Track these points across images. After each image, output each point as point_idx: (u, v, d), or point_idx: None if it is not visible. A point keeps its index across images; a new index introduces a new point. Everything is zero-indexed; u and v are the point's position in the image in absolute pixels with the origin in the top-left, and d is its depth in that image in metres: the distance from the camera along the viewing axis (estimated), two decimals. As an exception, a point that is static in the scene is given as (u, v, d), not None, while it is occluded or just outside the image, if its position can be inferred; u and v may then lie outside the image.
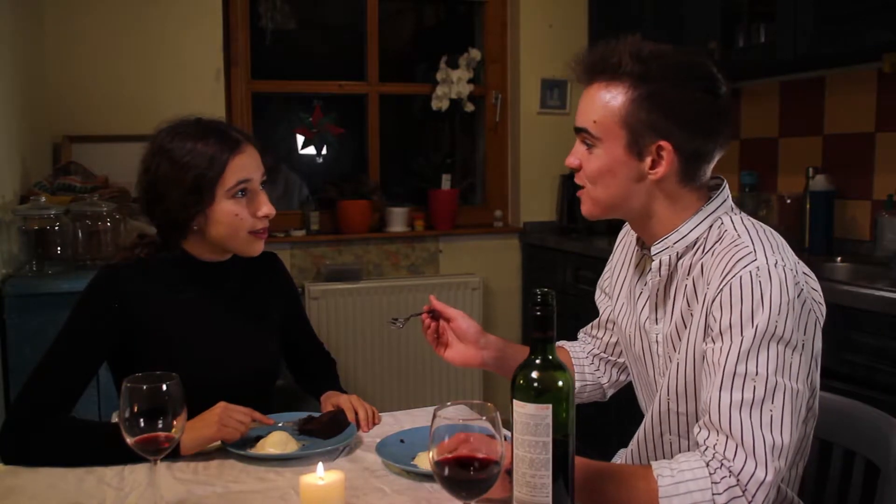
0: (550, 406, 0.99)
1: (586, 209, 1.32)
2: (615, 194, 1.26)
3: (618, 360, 1.56)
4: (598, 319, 1.58)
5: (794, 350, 1.12)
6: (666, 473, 1.09)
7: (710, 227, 1.25)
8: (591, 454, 1.19)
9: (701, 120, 1.22)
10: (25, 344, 2.30)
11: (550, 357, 1.02)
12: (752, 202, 3.09)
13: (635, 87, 1.20)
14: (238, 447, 1.40)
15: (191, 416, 1.26)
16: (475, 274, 3.78)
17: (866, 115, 2.77)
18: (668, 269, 1.27)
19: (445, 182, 3.81)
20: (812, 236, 2.82)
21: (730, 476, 1.07)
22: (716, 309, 1.15)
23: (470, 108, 3.85)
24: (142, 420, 1.11)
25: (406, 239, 3.77)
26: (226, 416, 1.40)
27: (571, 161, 1.29)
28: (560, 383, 1.01)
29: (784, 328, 1.11)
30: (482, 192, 4.09)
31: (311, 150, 3.97)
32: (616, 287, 1.47)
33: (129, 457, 1.19)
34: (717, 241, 1.22)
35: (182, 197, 1.49)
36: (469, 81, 3.80)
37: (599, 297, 1.56)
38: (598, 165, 1.25)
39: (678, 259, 1.27)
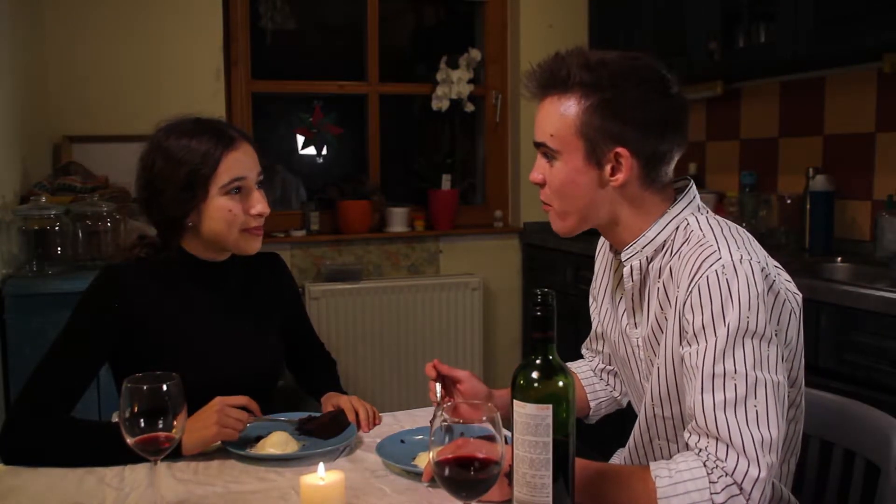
0: (550, 406, 0.99)
1: (557, 227, 1.32)
2: (581, 206, 1.27)
3: None
4: (592, 331, 1.57)
5: (769, 342, 1.12)
6: (664, 474, 1.09)
7: (677, 228, 1.25)
8: (591, 454, 1.19)
9: (654, 122, 1.22)
10: (25, 344, 2.30)
11: (550, 357, 1.02)
12: (752, 202, 3.09)
13: (586, 96, 1.21)
14: (238, 447, 1.40)
15: (190, 416, 1.26)
16: (475, 274, 3.78)
17: (866, 115, 2.77)
18: (640, 274, 1.28)
19: (445, 182, 3.81)
20: (812, 236, 2.82)
21: (726, 476, 1.07)
22: (687, 311, 1.16)
23: (470, 108, 3.85)
24: (142, 420, 1.11)
25: (406, 239, 3.77)
26: (224, 417, 1.39)
27: (535, 176, 1.30)
28: (560, 383, 1.01)
29: (756, 322, 1.11)
30: (482, 192, 4.09)
31: (311, 151, 3.98)
32: (599, 294, 1.47)
33: (129, 457, 1.19)
34: (683, 243, 1.22)
35: (176, 193, 1.49)
36: (469, 81, 3.79)
37: (592, 306, 1.56)
38: (560, 178, 1.26)
39: (649, 263, 1.27)
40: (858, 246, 2.79)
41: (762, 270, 1.15)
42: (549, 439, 0.99)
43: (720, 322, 1.11)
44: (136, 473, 1.32)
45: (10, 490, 1.27)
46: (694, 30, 3.04)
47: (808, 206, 2.83)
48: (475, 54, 3.82)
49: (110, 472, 1.33)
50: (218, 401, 1.42)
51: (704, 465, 1.09)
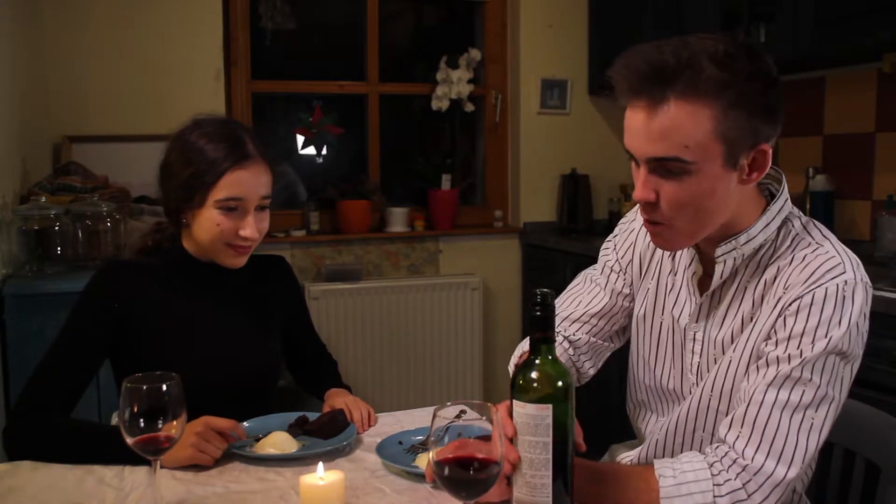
0: (550, 406, 0.99)
1: (674, 245, 1.21)
2: (714, 212, 1.14)
3: (602, 342, 1.45)
4: (600, 307, 1.43)
5: (848, 364, 1.12)
6: (668, 474, 1.09)
7: (779, 229, 1.20)
8: (592, 454, 1.19)
9: (776, 109, 1.12)
10: (25, 344, 2.30)
11: (550, 357, 1.02)
12: (752, 202, 3.08)
13: (723, 94, 1.06)
14: (238, 447, 1.40)
15: (191, 416, 1.26)
16: (475, 274, 3.78)
17: (866, 115, 2.77)
18: (732, 272, 1.21)
19: (445, 182, 3.81)
20: (812, 236, 2.82)
21: (735, 478, 1.07)
22: (791, 314, 1.12)
23: (470, 108, 3.85)
24: (142, 420, 1.11)
25: (406, 239, 3.77)
26: (202, 442, 1.35)
27: (647, 195, 1.13)
28: (560, 383, 1.01)
29: (850, 344, 1.10)
30: (482, 192, 4.09)
31: (311, 150, 3.97)
32: (640, 273, 1.38)
33: (129, 457, 1.19)
34: (791, 246, 1.18)
35: (177, 188, 1.51)
36: (469, 81, 3.80)
37: (611, 277, 1.43)
38: (694, 191, 1.10)
39: (745, 261, 1.21)
40: (858, 246, 2.77)
41: (871, 295, 1.14)
42: (549, 439, 0.99)
43: (822, 334, 1.09)
44: (136, 473, 1.32)
45: (10, 490, 1.27)
46: (694, 30, 3.02)
47: (808, 206, 2.83)
48: (475, 54, 3.82)
49: (110, 472, 1.33)
50: (203, 422, 1.37)
51: (711, 466, 1.08)
